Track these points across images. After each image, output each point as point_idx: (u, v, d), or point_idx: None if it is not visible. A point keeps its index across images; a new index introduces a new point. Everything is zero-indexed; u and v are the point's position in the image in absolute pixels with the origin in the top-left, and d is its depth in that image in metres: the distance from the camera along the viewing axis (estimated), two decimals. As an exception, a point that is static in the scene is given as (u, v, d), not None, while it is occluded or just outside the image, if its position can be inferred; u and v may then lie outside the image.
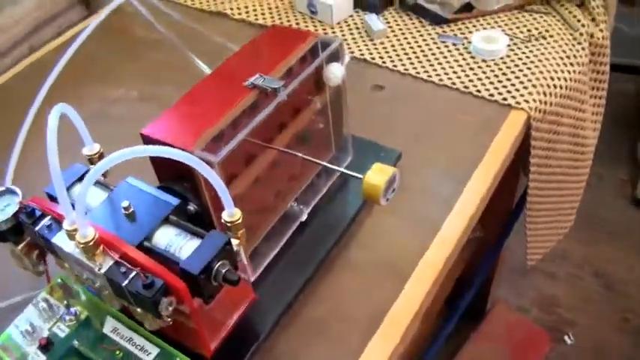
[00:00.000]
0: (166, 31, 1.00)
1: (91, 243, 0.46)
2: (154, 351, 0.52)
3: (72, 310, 0.55)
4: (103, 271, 0.47)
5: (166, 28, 1.01)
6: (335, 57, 0.63)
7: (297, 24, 1.04)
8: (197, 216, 0.55)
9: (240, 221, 0.50)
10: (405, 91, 0.88)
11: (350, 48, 0.96)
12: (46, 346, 0.53)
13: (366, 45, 0.96)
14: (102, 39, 0.94)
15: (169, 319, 0.48)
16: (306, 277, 0.63)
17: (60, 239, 0.49)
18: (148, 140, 0.54)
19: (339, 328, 0.60)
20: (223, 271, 0.48)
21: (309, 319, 0.61)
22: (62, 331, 0.55)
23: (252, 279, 0.62)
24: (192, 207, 0.55)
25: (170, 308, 0.46)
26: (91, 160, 0.57)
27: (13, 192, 0.55)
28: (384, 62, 0.93)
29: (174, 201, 0.51)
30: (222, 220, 0.49)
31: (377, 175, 0.57)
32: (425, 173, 0.75)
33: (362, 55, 0.94)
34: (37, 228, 0.51)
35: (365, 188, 0.57)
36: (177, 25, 1.03)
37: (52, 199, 0.55)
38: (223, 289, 0.53)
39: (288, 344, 0.59)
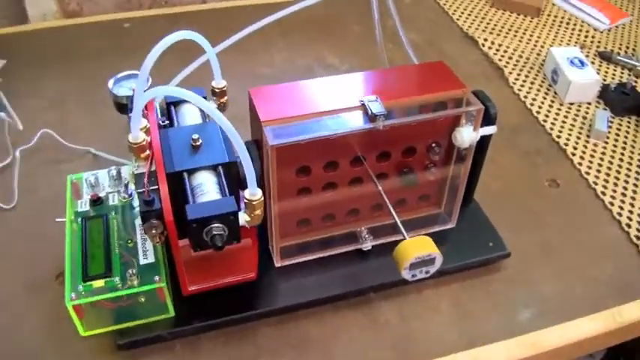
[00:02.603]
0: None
1: (136, 146, 0.52)
2: (150, 259, 0.58)
3: (130, 190, 0.63)
4: (135, 171, 0.53)
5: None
6: (471, 119, 0.60)
7: (532, 82, 0.97)
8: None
9: (257, 203, 0.51)
10: (577, 198, 0.79)
11: (559, 133, 0.88)
12: (94, 201, 0.63)
13: (577, 137, 0.87)
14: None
15: (157, 240, 0.52)
16: (318, 299, 0.63)
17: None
18: (249, 97, 0.58)
19: None
20: (215, 233, 0.51)
21: (290, 334, 0.62)
22: (113, 200, 0.63)
23: (278, 265, 0.64)
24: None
25: (155, 231, 0.51)
26: (214, 92, 0.63)
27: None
28: (579, 163, 0.83)
29: (226, 158, 0.54)
30: (243, 197, 0.52)
31: (414, 246, 0.54)
32: (529, 289, 0.68)
33: (566, 144, 0.86)
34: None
35: (396, 251, 0.54)
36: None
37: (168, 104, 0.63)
38: (229, 254, 0.56)
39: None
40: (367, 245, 0.66)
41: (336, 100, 0.57)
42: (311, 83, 0.60)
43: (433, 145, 0.62)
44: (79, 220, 0.61)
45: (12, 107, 0.86)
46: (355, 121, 0.55)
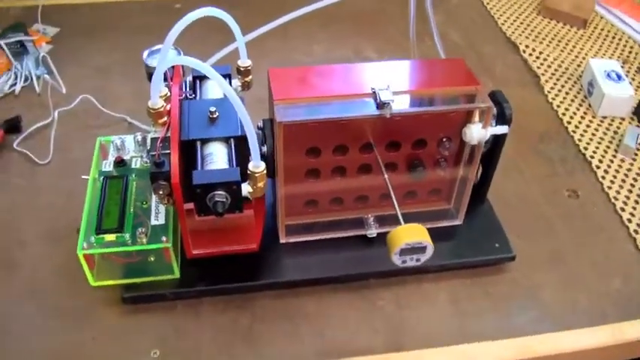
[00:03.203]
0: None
1: (154, 112, 0.55)
2: (161, 221, 0.62)
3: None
4: (151, 135, 0.57)
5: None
6: (483, 117, 0.60)
7: (567, 92, 0.97)
8: (264, 158, 0.61)
9: (259, 175, 0.54)
10: (595, 211, 0.78)
11: (587, 145, 0.87)
12: (118, 163, 0.66)
13: (604, 150, 0.86)
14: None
15: (165, 201, 0.56)
16: (318, 278, 0.65)
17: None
18: (268, 76, 0.60)
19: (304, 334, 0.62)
20: (217, 199, 0.53)
21: (287, 308, 0.64)
22: (136, 163, 0.67)
23: (282, 241, 0.67)
24: (264, 148, 0.61)
25: (162, 192, 0.54)
26: (239, 71, 0.66)
27: (177, 50, 0.67)
28: (603, 177, 0.82)
29: (238, 131, 0.57)
30: (248, 168, 0.54)
31: (408, 232, 0.55)
32: (530, 294, 0.68)
33: (592, 157, 0.85)
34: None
35: (389, 235, 0.56)
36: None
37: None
38: (233, 223, 0.59)
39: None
40: (372, 232, 0.67)
41: (350, 86, 0.59)
42: (329, 69, 0.62)
43: (444, 139, 0.63)
44: (102, 178, 0.65)
45: (59, 72, 0.92)
46: (365, 108, 0.57)
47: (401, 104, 0.58)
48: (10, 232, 0.70)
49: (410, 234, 0.54)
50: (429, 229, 0.56)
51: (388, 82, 0.58)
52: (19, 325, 0.61)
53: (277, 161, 0.59)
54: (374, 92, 0.58)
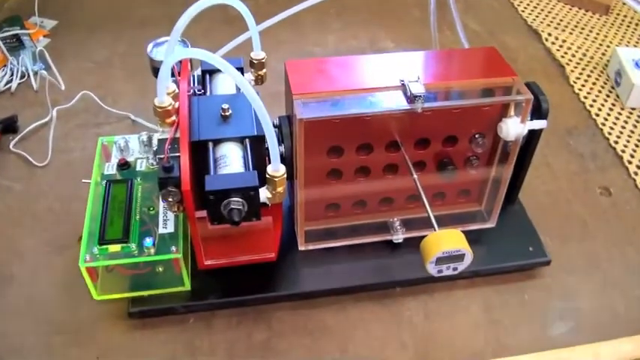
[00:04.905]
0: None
1: (161, 110, 0.50)
2: (170, 229, 0.57)
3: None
4: (159, 136, 0.52)
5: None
6: (519, 112, 0.55)
7: (594, 82, 0.91)
8: (283, 160, 0.56)
9: (279, 180, 0.49)
10: (629, 210, 0.73)
11: (617, 138, 0.82)
12: (121, 165, 0.61)
13: (635, 144, 0.81)
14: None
15: (175, 208, 0.51)
16: (339, 288, 0.60)
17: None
18: (285, 69, 0.55)
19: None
20: (233, 207, 0.48)
21: (306, 321, 0.59)
22: (141, 166, 0.62)
23: (301, 248, 0.62)
24: (281, 148, 0.56)
25: (172, 199, 0.49)
26: (252, 64, 0.61)
27: (184, 42, 0.62)
28: (635, 173, 0.77)
29: (254, 131, 0.52)
30: (267, 172, 0.49)
31: (445, 238, 0.50)
32: (566, 302, 0.63)
33: (623, 151, 0.80)
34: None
35: (424, 242, 0.51)
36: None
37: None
38: (249, 231, 0.54)
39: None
40: (398, 237, 0.63)
41: (375, 78, 0.54)
42: (351, 60, 0.57)
43: (476, 135, 0.58)
44: (104, 182, 0.60)
45: (57, 67, 0.87)
46: (393, 101, 0.52)
47: (432, 98, 0.52)
48: (6, 241, 0.65)
49: (448, 241, 0.49)
50: (458, 234, 0.51)
51: (418, 74, 0.53)
52: (15, 344, 0.56)
53: (297, 162, 0.54)
54: (403, 85, 0.53)
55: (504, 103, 0.55)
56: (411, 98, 0.51)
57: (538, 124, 0.57)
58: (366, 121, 0.53)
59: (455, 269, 0.51)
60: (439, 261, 0.50)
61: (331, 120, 0.51)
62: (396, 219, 0.63)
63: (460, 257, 0.50)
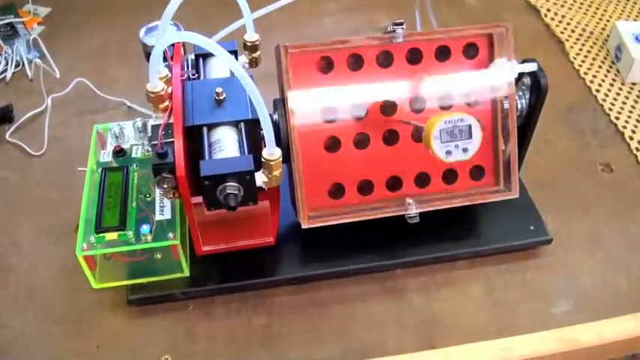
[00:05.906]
0: None
1: (154, 96, 0.50)
2: (167, 215, 0.56)
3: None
4: (152, 122, 0.51)
5: None
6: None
7: (594, 58, 0.90)
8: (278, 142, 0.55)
9: (274, 163, 0.48)
10: (631, 186, 0.72)
11: (618, 114, 0.81)
12: (117, 153, 0.61)
13: (637, 120, 0.80)
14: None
15: (170, 195, 0.50)
16: (340, 270, 0.60)
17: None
18: (278, 52, 0.54)
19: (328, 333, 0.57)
20: (229, 192, 0.48)
21: (307, 305, 0.59)
22: (136, 152, 0.62)
23: (305, 226, 0.60)
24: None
25: (167, 185, 0.49)
26: (245, 46, 0.60)
27: (177, 26, 0.61)
28: (637, 148, 0.76)
29: (249, 114, 0.51)
30: (262, 156, 0.48)
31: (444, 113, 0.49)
32: (569, 280, 0.63)
33: (624, 127, 0.79)
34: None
35: (427, 121, 0.49)
36: None
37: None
38: (247, 216, 0.54)
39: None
40: (413, 212, 0.59)
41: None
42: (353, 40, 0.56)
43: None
44: (100, 170, 0.59)
45: (52, 55, 0.86)
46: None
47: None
48: (3, 231, 0.65)
49: (449, 114, 0.47)
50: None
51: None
52: (14, 334, 0.56)
53: (291, 136, 0.53)
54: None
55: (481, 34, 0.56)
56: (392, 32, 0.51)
57: (529, 67, 0.56)
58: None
59: (465, 150, 0.48)
60: (445, 137, 0.47)
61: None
62: (411, 200, 0.59)
63: (467, 131, 0.47)
